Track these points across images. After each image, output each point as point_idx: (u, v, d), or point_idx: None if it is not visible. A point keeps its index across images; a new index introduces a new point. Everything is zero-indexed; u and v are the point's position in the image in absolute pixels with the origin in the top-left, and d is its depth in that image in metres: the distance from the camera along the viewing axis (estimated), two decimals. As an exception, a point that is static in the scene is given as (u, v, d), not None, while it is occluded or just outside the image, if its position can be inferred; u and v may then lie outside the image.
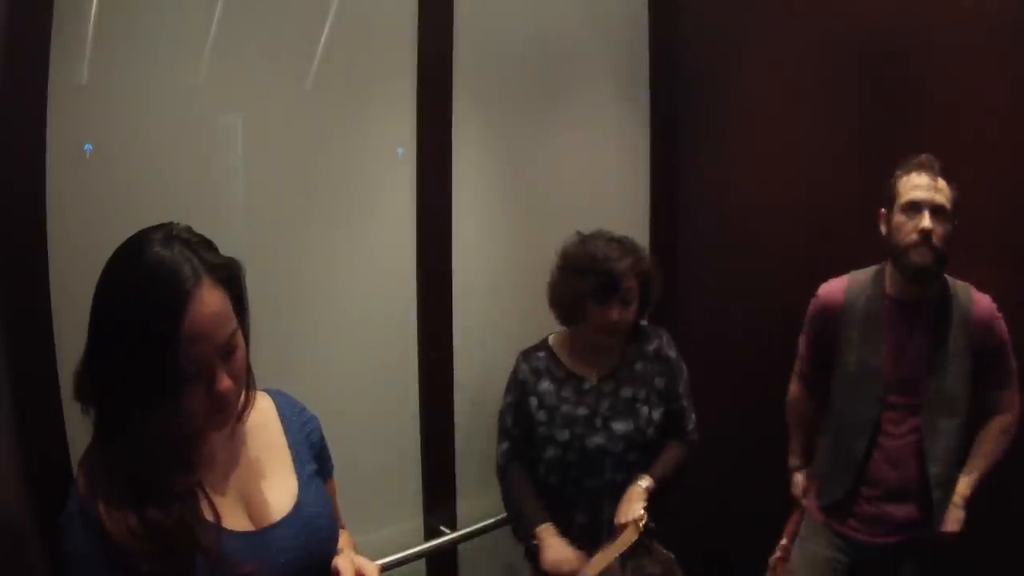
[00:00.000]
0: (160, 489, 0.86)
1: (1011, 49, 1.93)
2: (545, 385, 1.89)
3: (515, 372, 1.93)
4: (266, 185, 1.72)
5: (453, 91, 2.05)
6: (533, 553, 1.79)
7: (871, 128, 2.21)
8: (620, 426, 1.85)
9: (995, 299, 1.85)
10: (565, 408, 1.86)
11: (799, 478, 2.03)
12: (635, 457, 1.86)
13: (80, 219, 1.43)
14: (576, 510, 1.84)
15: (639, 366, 1.92)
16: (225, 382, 0.87)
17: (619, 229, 2.66)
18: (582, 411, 1.86)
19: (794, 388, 2.06)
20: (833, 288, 1.89)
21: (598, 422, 1.85)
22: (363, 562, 1.00)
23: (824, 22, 2.31)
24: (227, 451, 0.98)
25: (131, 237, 0.90)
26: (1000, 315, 1.79)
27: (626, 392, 1.89)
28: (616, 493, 1.81)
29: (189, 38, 1.57)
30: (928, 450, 1.73)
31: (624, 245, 1.86)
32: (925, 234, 1.66)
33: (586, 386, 1.89)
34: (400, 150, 1.96)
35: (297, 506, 0.99)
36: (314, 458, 1.09)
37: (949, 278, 1.81)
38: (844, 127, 2.28)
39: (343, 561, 1.00)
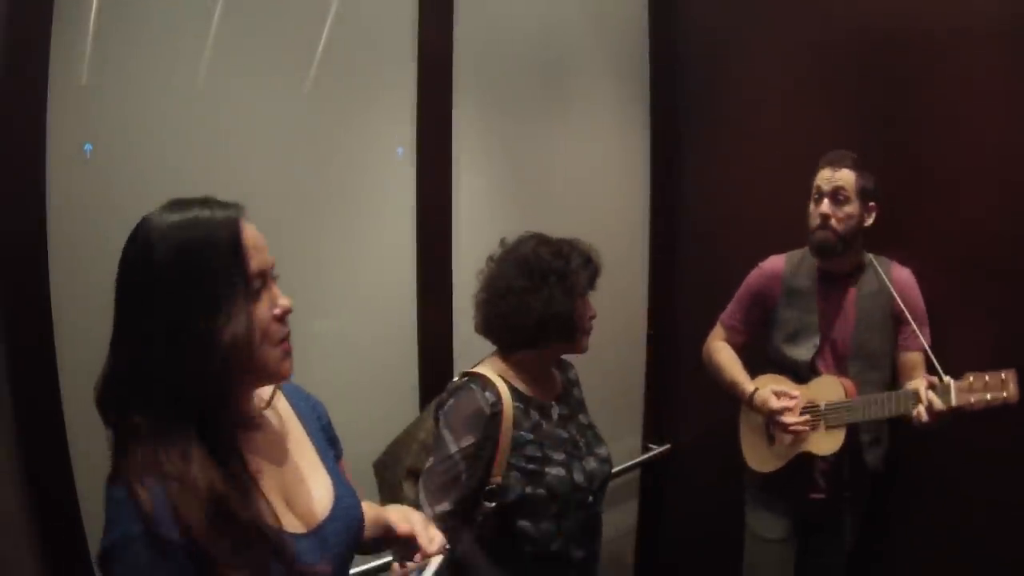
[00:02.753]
0: (238, 492, 0.86)
1: (1011, 47, 1.92)
2: (519, 405, 1.56)
3: (473, 405, 1.51)
4: (266, 185, 1.72)
5: (453, 91, 2.05)
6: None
7: (872, 128, 2.21)
8: (602, 451, 1.68)
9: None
10: (547, 426, 1.60)
11: (766, 392, 1.98)
12: (607, 487, 1.70)
13: (80, 219, 1.43)
14: (572, 543, 1.58)
15: (576, 392, 1.76)
16: (285, 298, 0.94)
17: (619, 228, 2.67)
18: (564, 434, 1.62)
19: (720, 338, 2.21)
20: (774, 261, 2.14)
21: (584, 446, 1.64)
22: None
23: (824, 22, 2.31)
24: (260, 448, 0.97)
25: (143, 221, 0.90)
26: (915, 285, 1.99)
27: (583, 419, 1.71)
28: (599, 525, 1.67)
29: (189, 38, 1.57)
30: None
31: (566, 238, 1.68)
32: (824, 216, 1.92)
33: (553, 414, 1.63)
34: (400, 150, 1.96)
35: (336, 500, 1.00)
36: (328, 442, 1.10)
37: (873, 256, 2.01)
38: (844, 127, 2.28)
39: (415, 519, 1.13)
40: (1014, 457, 1.92)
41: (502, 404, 1.52)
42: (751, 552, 2.15)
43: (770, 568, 2.10)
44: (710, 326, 2.26)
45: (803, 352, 2.02)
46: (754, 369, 2.12)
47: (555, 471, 1.54)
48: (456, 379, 1.62)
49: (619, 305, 2.70)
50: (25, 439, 1.35)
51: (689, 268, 2.78)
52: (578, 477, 1.57)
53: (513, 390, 1.57)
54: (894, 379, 1.96)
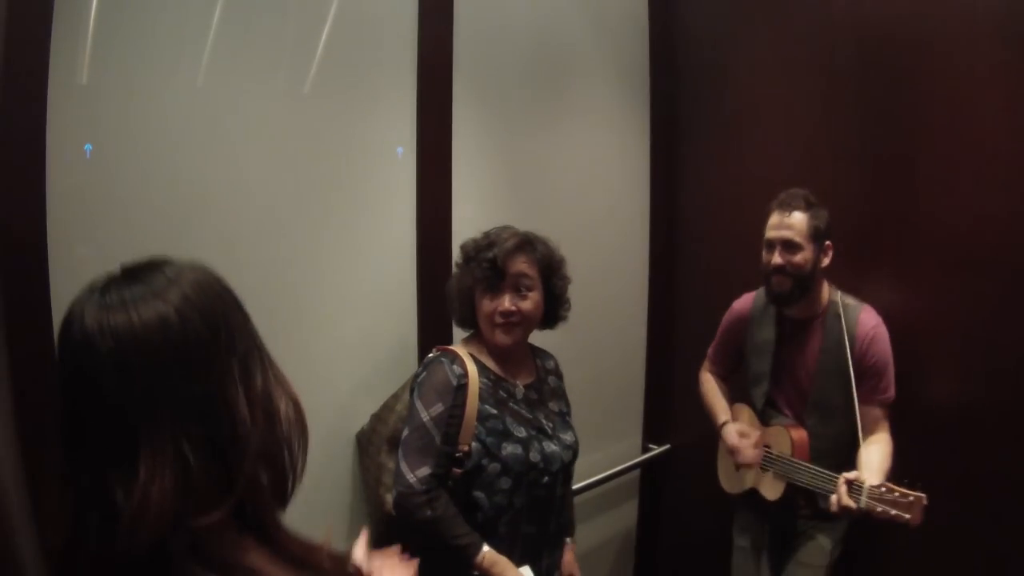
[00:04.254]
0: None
1: (1010, 47, 1.92)
2: (486, 382, 1.68)
3: (442, 376, 1.63)
4: (266, 185, 1.72)
5: (453, 91, 2.05)
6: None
7: (871, 126, 2.21)
8: (567, 437, 1.76)
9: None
10: (513, 405, 1.70)
11: (731, 428, 2.11)
12: (571, 471, 1.79)
13: (80, 219, 1.43)
14: (523, 519, 1.68)
15: (552, 381, 1.84)
16: None
17: (619, 228, 2.67)
18: (528, 415, 1.71)
19: (706, 369, 2.32)
20: (744, 302, 2.18)
21: (549, 429, 1.73)
22: None
23: (824, 21, 2.31)
24: None
25: (111, 308, 0.71)
26: (882, 337, 1.93)
27: (553, 406, 1.80)
28: (559, 508, 1.75)
29: (189, 38, 1.57)
30: (812, 448, 1.97)
31: (518, 232, 1.71)
32: (778, 267, 1.93)
33: (518, 394, 1.73)
34: (400, 150, 1.96)
35: None
36: None
37: (843, 297, 1.98)
38: (844, 125, 2.28)
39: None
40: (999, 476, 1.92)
41: (468, 377, 1.64)
42: (734, 558, 2.23)
43: (747, 574, 2.17)
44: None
45: (756, 398, 2.10)
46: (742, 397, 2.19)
47: (512, 447, 1.64)
48: (431, 355, 1.73)
49: (619, 306, 2.70)
50: (25, 439, 1.35)
51: (689, 268, 2.78)
52: (534, 456, 1.65)
53: (482, 367, 1.70)
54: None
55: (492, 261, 1.65)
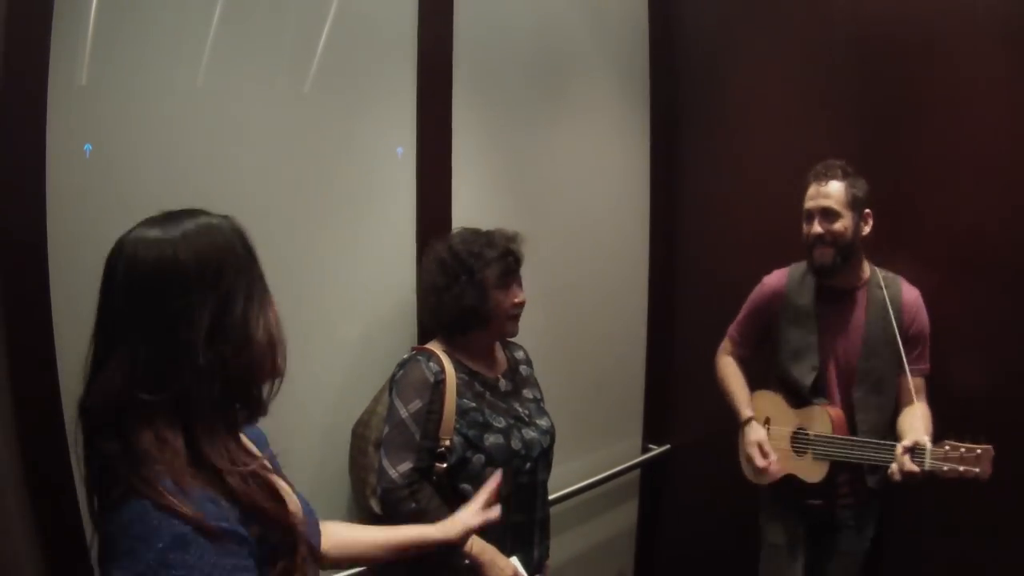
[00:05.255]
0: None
1: (1010, 48, 1.93)
2: (463, 377, 1.73)
3: (419, 374, 1.67)
4: (266, 185, 1.72)
5: (453, 91, 2.05)
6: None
7: (870, 126, 2.21)
8: (543, 422, 1.81)
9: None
10: (490, 397, 1.75)
11: (753, 437, 2.07)
12: (550, 457, 1.82)
13: (80, 219, 1.43)
14: (511, 508, 1.69)
15: (523, 370, 1.90)
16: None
17: (619, 228, 2.68)
18: (504, 405, 1.77)
19: (726, 351, 2.26)
20: (777, 277, 2.14)
21: (525, 416, 1.78)
22: None
23: (824, 21, 2.31)
24: None
25: (139, 238, 0.88)
26: (923, 306, 1.97)
27: (528, 394, 1.85)
28: (544, 494, 1.81)
29: (189, 38, 1.57)
30: (860, 422, 1.94)
31: (492, 231, 1.80)
32: (817, 236, 1.93)
33: (499, 386, 1.79)
34: (400, 150, 1.97)
35: (303, 504, 1.05)
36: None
37: (880, 271, 2.00)
38: (843, 125, 2.28)
39: None
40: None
41: (445, 374, 1.68)
42: (762, 557, 2.17)
43: (779, 573, 2.11)
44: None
45: (804, 373, 2.02)
46: (761, 381, 2.15)
47: (494, 438, 1.68)
48: (406, 355, 1.76)
49: (619, 306, 2.70)
50: (25, 439, 1.35)
51: (689, 268, 2.78)
52: (516, 444, 1.70)
53: (458, 364, 1.74)
54: (897, 400, 1.95)
55: (514, 254, 1.74)
